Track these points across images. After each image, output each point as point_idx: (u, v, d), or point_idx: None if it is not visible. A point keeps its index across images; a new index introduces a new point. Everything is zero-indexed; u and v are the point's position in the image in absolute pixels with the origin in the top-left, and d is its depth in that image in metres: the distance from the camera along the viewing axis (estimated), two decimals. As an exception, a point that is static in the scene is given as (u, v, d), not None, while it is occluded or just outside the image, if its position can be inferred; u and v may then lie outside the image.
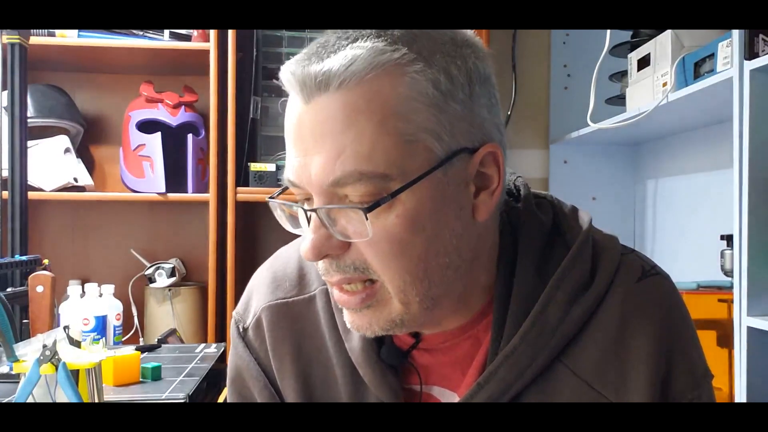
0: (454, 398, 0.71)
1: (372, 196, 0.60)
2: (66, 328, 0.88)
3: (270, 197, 0.67)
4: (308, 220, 0.62)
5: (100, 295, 1.93)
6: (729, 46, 1.33)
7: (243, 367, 0.78)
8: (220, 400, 1.28)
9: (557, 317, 0.67)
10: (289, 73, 0.61)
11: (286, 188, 0.67)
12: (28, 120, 1.62)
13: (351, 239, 0.62)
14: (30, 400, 0.81)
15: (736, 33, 1.29)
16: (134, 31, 2.03)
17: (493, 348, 0.68)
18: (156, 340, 1.45)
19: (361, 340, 0.71)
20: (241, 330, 0.79)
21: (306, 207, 0.63)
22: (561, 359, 0.67)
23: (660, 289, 0.70)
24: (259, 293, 0.79)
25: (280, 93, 2.06)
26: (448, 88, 0.61)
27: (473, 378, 0.69)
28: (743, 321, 1.25)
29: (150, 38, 2.03)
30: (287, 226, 0.67)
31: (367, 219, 0.59)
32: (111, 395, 1.05)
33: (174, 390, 1.08)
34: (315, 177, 0.60)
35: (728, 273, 1.47)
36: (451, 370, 0.72)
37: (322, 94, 0.60)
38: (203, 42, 2.01)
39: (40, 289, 1.26)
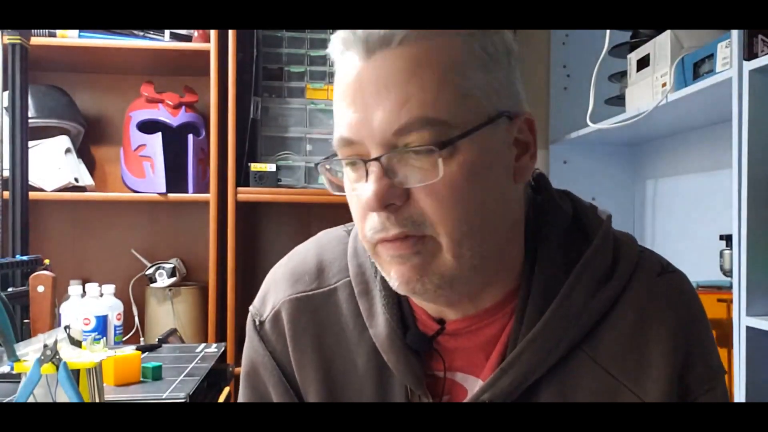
0: (478, 383, 0.72)
1: (435, 144, 0.62)
2: (67, 327, 0.88)
3: (317, 163, 0.69)
4: (366, 175, 0.63)
5: (101, 295, 1.93)
6: (728, 46, 1.33)
7: (258, 361, 0.79)
8: (221, 400, 1.28)
9: (580, 305, 0.69)
10: (349, 33, 0.64)
11: (331, 156, 0.68)
12: (29, 120, 1.62)
13: (417, 185, 0.63)
14: (31, 399, 0.82)
15: (735, 33, 1.29)
16: (135, 32, 2.03)
17: (515, 332, 0.70)
18: (156, 340, 1.45)
19: (387, 326, 0.72)
20: (257, 324, 0.80)
21: (367, 159, 0.64)
22: (582, 347, 0.69)
23: (679, 284, 0.73)
24: (278, 287, 0.80)
25: (280, 93, 2.07)
26: (494, 53, 0.66)
27: (495, 361, 0.71)
28: (742, 321, 1.25)
29: (150, 39, 2.04)
30: (333, 191, 0.69)
31: (439, 159, 0.62)
32: (111, 395, 1.06)
33: (174, 390, 1.08)
34: (379, 127, 0.62)
35: (727, 273, 1.47)
36: (475, 355, 0.73)
37: (384, 50, 0.63)
38: (203, 42, 2.01)
39: (40, 289, 1.26)
